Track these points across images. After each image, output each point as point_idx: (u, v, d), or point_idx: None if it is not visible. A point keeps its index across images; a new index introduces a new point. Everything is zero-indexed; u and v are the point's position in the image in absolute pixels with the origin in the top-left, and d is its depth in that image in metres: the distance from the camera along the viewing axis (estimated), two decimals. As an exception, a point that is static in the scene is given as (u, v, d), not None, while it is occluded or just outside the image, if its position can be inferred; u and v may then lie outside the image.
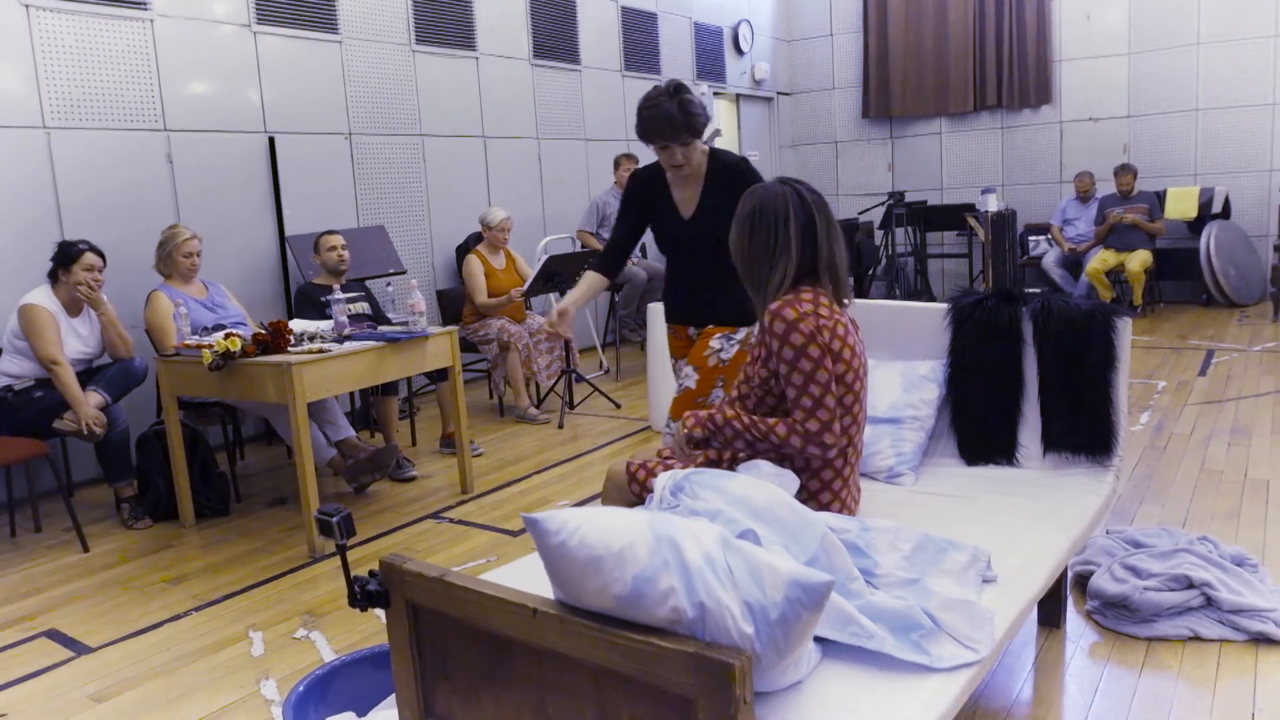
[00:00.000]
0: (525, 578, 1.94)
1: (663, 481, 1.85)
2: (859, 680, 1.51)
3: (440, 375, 4.73)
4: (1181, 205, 8.33)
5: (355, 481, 4.19)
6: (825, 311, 2.04)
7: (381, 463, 4.13)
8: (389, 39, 5.90)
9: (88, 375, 3.91)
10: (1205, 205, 8.32)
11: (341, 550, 1.62)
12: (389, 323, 4.54)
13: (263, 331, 3.53)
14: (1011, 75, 9.37)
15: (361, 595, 1.63)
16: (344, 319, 3.96)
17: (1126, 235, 7.97)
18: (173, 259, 4.18)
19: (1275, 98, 8.27)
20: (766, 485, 1.78)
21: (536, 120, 7.07)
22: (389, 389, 4.54)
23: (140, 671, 2.66)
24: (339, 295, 4.01)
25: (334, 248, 4.58)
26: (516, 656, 1.47)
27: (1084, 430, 2.45)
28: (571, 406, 5.69)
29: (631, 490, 2.17)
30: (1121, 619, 2.59)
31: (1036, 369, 2.52)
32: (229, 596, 3.16)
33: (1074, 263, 8.40)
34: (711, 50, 9.23)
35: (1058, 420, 2.48)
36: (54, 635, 2.94)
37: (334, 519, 1.58)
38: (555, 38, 7.21)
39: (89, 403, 3.75)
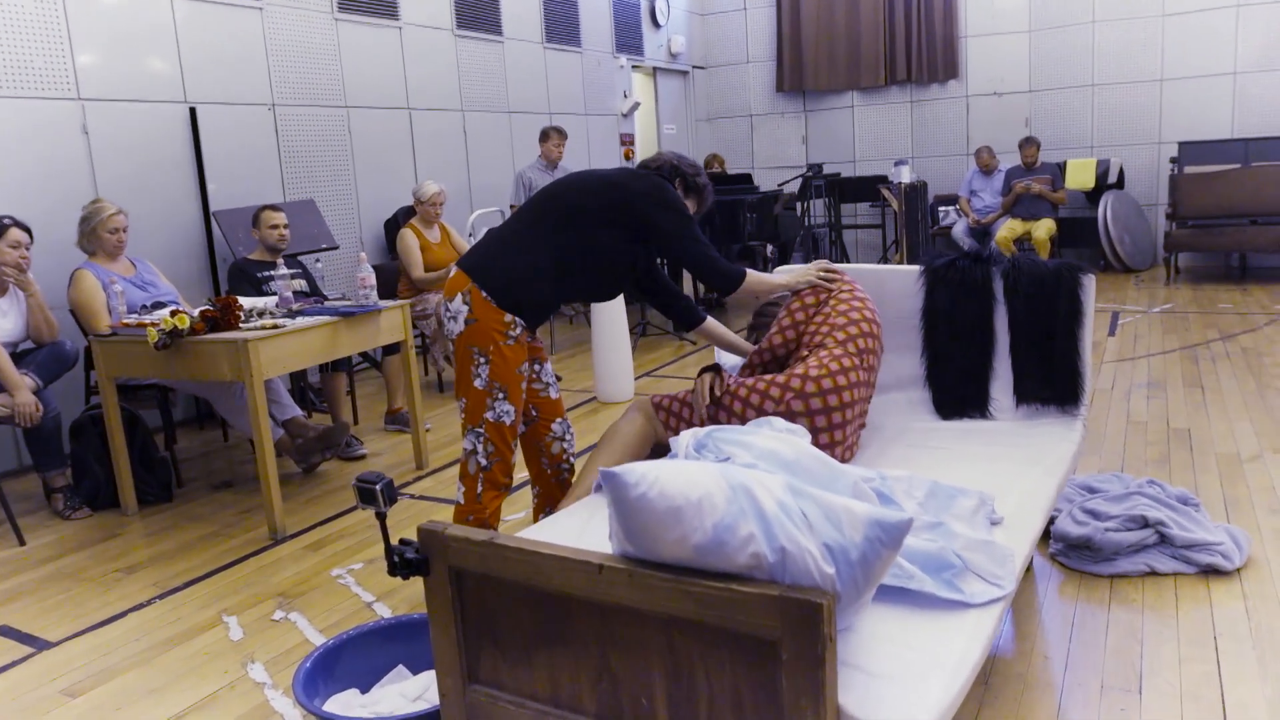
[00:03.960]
0: (555, 536, 1.94)
1: (684, 440, 1.88)
2: (903, 618, 1.57)
3: (387, 350, 4.63)
4: (1081, 176, 8.76)
5: (304, 462, 4.08)
6: None
7: (331, 441, 4.03)
8: (310, 6, 5.69)
9: (14, 360, 3.68)
10: (1102, 176, 8.77)
11: (382, 518, 1.59)
12: (325, 298, 4.42)
13: (211, 308, 3.39)
14: (920, 50, 9.65)
15: (400, 564, 1.61)
16: (289, 294, 3.84)
17: (1032, 205, 8.33)
18: (98, 235, 3.96)
19: (1163, 74, 8.75)
20: (790, 439, 1.82)
21: (461, 92, 6.94)
22: (338, 365, 4.42)
23: (113, 663, 2.55)
24: (284, 271, 3.88)
25: (276, 225, 4.41)
26: (576, 615, 1.48)
27: (1053, 382, 2.58)
28: (513, 381, 5.64)
29: (659, 416, 2.47)
30: (1084, 559, 2.74)
31: (1008, 326, 2.63)
32: (192, 583, 3.05)
33: (982, 232, 8.74)
34: (629, 23, 9.20)
35: (1028, 374, 2.60)
36: (6, 632, 2.78)
37: (376, 486, 1.55)
38: (477, 8, 7.07)
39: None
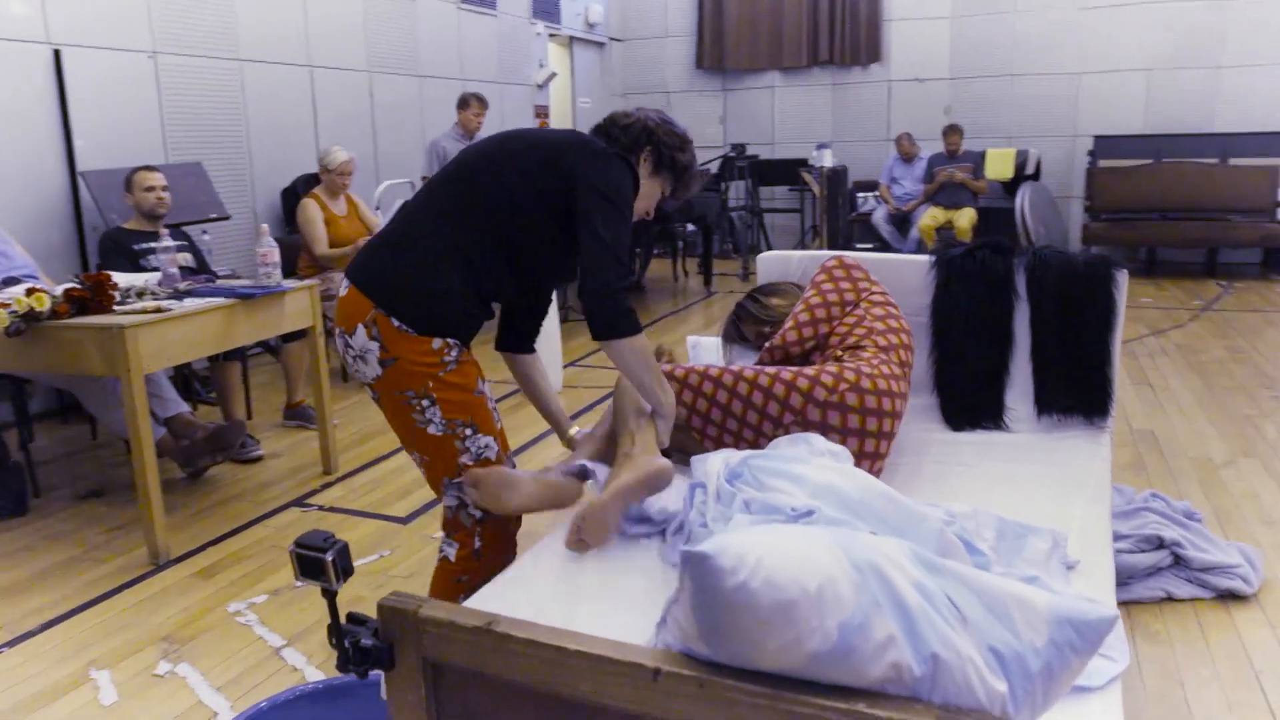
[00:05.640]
0: (533, 606, 1.52)
1: (714, 468, 1.49)
2: (1019, 713, 1.22)
3: (287, 336, 4.07)
4: (1000, 166, 8.72)
5: (191, 466, 3.51)
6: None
7: (225, 442, 3.48)
8: (196, -59, 5.00)
9: None
10: (1020, 166, 8.75)
11: (331, 597, 1.15)
12: (215, 275, 3.85)
13: (79, 286, 2.81)
14: (844, 32, 9.45)
15: (354, 654, 1.17)
16: (174, 270, 3.28)
17: (954, 193, 8.24)
18: (-67, 195, 3.29)
19: (1081, 67, 8.78)
20: (848, 470, 1.46)
21: (367, 51, 6.32)
22: (231, 353, 3.84)
23: (-56, 739, 2.01)
24: (168, 243, 3.30)
25: (152, 188, 3.79)
26: (610, 729, 1.08)
27: (1079, 390, 2.30)
28: (428, 370, 5.14)
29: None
30: (1095, 584, 2.48)
31: (1029, 326, 2.34)
32: (51, 624, 2.49)
33: (901, 219, 8.62)
34: (547, -13, 8.68)
35: (1052, 380, 2.32)
36: None
37: (327, 555, 1.10)
38: (386, -42, 6.46)
39: None
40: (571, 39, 9.35)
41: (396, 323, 1.79)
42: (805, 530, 0.99)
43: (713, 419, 1.92)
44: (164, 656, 2.30)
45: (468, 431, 1.86)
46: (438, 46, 7.06)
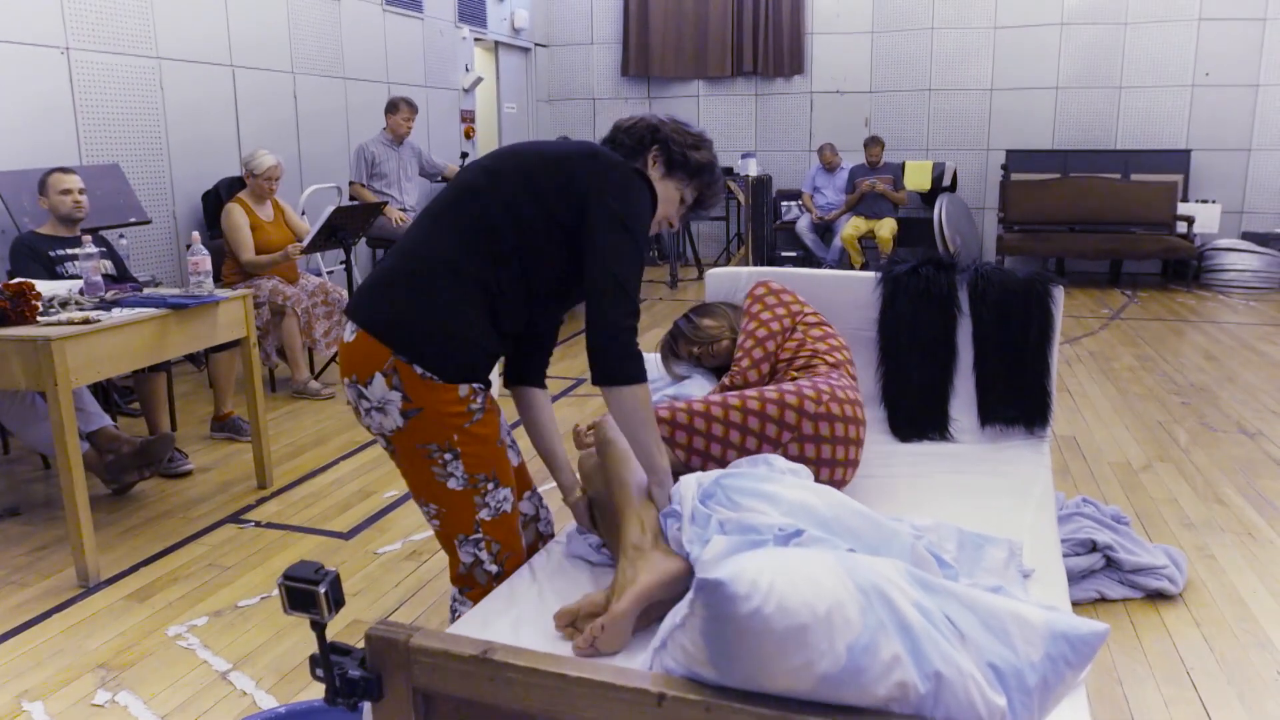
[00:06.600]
0: (500, 633, 1.51)
1: (688, 491, 1.50)
2: None
3: (214, 346, 3.95)
4: (918, 177, 8.98)
5: (117, 481, 3.38)
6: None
7: (153, 457, 3.35)
8: (112, -66, 4.81)
9: None
10: (937, 178, 9.04)
11: (320, 629, 1.12)
12: (138, 283, 3.71)
13: (-2, 296, 2.67)
14: (767, 43, 9.61)
15: (342, 687, 1.14)
16: (98, 279, 3.15)
17: (875, 204, 8.46)
18: None
19: (993, 83, 9.11)
20: (820, 488, 1.49)
21: (292, 51, 6.16)
22: (158, 364, 3.70)
23: None
24: (91, 249, 3.16)
25: (69, 191, 3.63)
26: (611, 754, 1.08)
27: (1020, 401, 2.39)
28: (359, 380, 5.03)
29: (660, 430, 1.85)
30: (1032, 587, 2.59)
31: (971, 340, 2.42)
32: (-26, 652, 2.37)
33: (824, 229, 8.81)
34: (473, -9, 8.60)
35: (994, 391, 2.40)
36: None
37: (319, 587, 1.07)
38: (311, -43, 6.31)
39: None
40: (497, 44, 9.28)
41: (420, 370, 1.66)
42: (808, 554, 1.02)
43: (713, 454, 1.87)
44: (102, 685, 2.21)
45: (489, 486, 1.76)
46: (363, 49, 6.94)
